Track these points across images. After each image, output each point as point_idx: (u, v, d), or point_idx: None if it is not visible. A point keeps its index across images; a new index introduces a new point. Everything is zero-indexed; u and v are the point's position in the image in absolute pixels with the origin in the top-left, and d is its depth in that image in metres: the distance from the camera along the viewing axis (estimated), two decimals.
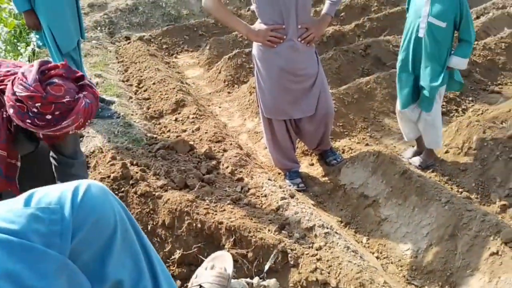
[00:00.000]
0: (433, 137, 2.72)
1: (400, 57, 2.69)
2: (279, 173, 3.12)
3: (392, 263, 2.32)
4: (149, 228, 2.27)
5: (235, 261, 2.13)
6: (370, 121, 3.55)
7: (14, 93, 1.40)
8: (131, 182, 2.43)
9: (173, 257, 2.20)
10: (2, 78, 1.51)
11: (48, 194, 0.83)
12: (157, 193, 2.35)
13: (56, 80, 1.43)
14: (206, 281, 1.31)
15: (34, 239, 0.74)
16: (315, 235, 2.24)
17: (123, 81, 4.49)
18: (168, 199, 2.30)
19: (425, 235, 2.27)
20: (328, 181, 2.95)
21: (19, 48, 3.29)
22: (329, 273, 2.01)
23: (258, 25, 2.49)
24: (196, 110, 3.57)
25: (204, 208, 2.28)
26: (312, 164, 3.21)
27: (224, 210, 2.32)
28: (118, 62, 5.02)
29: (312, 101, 2.67)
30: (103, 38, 5.68)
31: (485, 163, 2.75)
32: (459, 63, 2.48)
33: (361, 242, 2.48)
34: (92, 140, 3.11)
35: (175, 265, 2.20)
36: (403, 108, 2.78)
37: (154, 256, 1.03)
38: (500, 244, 1.99)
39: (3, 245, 0.70)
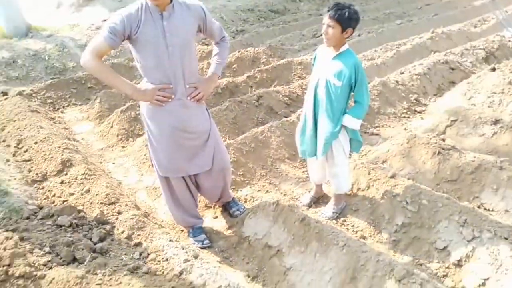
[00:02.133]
0: (341, 184, 2.85)
1: (303, 109, 2.80)
2: (182, 230, 2.98)
3: None
4: None
5: None
6: (268, 168, 3.64)
7: None
8: (6, 262, 2.09)
9: None
10: None
11: None
12: (39, 273, 2.04)
13: None
14: None
15: None
16: None
17: (3, 140, 3.98)
18: (53, 279, 2.01)
19: (328, 281, 2.32)
20: (233, 234, 2.90)
21: None
22: None
23: (145, 84, 2.41)
24: (86, 170, 3.29)
25: (97, 284, 2.04)
26: (216, 217, 3.14)
27: (120, 283, 2.10)
28: None
29: (207, 156, 2.65)
30: None
31: (373, 202, 2.97)
32: (351, 122, 2.61)
33: None
34: None
35: None
36: (305, 156, 2.90)
37: None
38: (394, 282, 2.12)
39: None
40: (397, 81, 5.01)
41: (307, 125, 2.76)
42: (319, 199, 3.21)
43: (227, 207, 3.08)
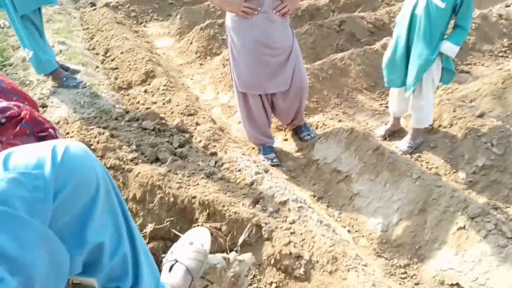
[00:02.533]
0: (423, 118, 2.72)
1: (394, 33, 2.62)
2: (253, 148, 3.08)
3: (363, 236, 2.36)
4: None
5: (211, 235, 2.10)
6: (344, 97, 3.55)
7: None
8: (100, 154, 2.33)
9: (144, 230, 2.14)
10: None
11: (24, 157, 0.76)
12: (127, 166, 2.26)
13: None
14: (183, 256, 1.27)
15: (18, 206, 0.69)
16: (289, 209, 2.24)
17: (88, 49, 4.26)
18: (139, 173, 2.22)
19: (395, 210, 2.32)
20: (302, 156, 2.94)
21: None
22: (302, 246, 2.01)
23: None
24: (167, 82, 3.44)
25: (177, 182, 2.22)
26: (286, 140, 3.19)
27: (198, 184, 2.27)
28: (83, 29, 4.76)
29: (287, 75, 2.63)
30: (66, 3, 5.34)
31: (454, 140, 2.81)
32: (450, 49, 2.41)
33: (333, 216, 2.51)
34: (57, 110, 2.95)
35: (147, 239, 2.14)
36: (392, 86, 2.77)
37: (132, 222, 0.97)
38: (467, 219, 2.06)
39: None
40: (500, 15, 4.44)
41: (398, 50, 2.58)
42: (394, 133, 3.11)
43: (298, 131, 3.10)
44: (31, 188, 0.72)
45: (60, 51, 3.85)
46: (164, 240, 2.14)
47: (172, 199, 2.14)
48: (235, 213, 2.09)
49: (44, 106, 3.00)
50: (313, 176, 2.79)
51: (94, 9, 5.21)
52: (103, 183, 0.87)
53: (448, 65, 2.51)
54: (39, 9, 2.99)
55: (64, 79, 3.22)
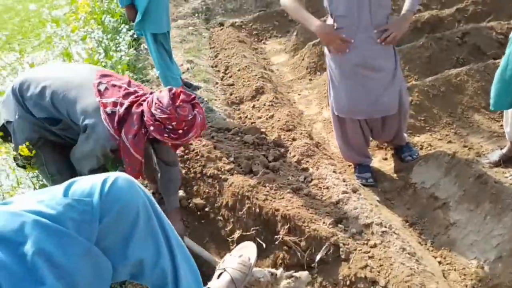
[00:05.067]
0: None
1: (509, 43, 2.38)
2: (349, 165, 3.09)
3: (455, 270, 2.19)
4: (215, 207, 2.47)
5: (289, 247, 2.22)
6: (457, 117, 3.28)
7: (153, 115, 1.79)
8: (202, 163, 2.64)
9: (233, 236, 2.37)
10: (137, 99, 1.89)
11: (82, 185, 1.01)
12: (223, 176, 2.53)
13: (181, 103, 1.80)
14: (229, 266, 1.43)
15: (68, 225, 0.93)
16: (372, 233, 2.22)
17: (212, 66, 4.77)
18: (233, 183, 2.46)
19: (494, 246, 2.09)
20: (399, 178, 2.85)
21: (118, 37, 3.71)
22: (379, 272, 1.99)
23: (329, 22, 2.47)
24: (273, 98, 3.66)
25: (264, 194, 2.39)
26: (386, 159, 3.11)
27: (283, 198, 2.41)
28: (210, 48, 5.33)
29: (393, 98, 2.56)
30: (199, 24, 6.05)
31: None
32: None
33: (425, 244, 2.38)
34: None
35: (234, 244, 2.37)
36: (497, 109, 2.52)
37: (174, 238, 1.17)
38: None
39: (43, 228, 0.89)
40: None
41: (508, 69, 2.34)
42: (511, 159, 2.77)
43: (399, 151, 3.00)
44: (81, 211, 0.95)
45: (188, 69, 4.41)
46: None
47: (257, 210, 2.32)
48: (314, 230, 2.17)
49: None
50: (408, 200, 2.68)
51: (221, 29, 5.78)
52: (144, 210, 1.07)
53: None
54: (168, 34, 3.51)
55: None
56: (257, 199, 2.36)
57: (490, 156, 2.83)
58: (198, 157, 2.62)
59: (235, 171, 2.59)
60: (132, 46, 4.05)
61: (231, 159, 2.69)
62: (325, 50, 2.60)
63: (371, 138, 2.95)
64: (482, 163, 2.57)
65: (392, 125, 2.73)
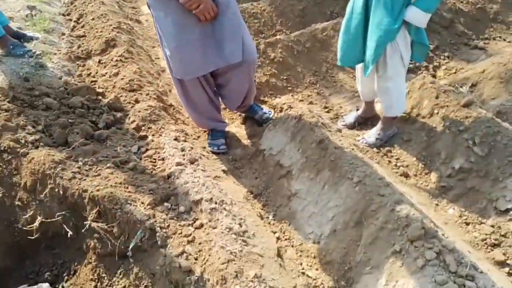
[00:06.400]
0: (394, 104, 2.25)
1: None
2: (205, 131, 2.73)
3: (292, 246, 1.98)
4: (10, 190, 1.97)
5: (100, 236, 1.82)
6: (321, 75, 3.07)
7: None
8: None
9: (33, 225, 1.91)
10: None
11: None
12: (23, 150, 2.01)
13: None
14: None
15: None
16: (201, 210, 1.90)
17: (63, 14, 4.01)
18: (33, 158, 1.96)
19: (330, 219, 1.90)
20: (252, 144, 2.56)
21: None
22: (196, 259, 1.69)
23: None
24: (124, 52, 3.12)
25: (72, 172, 1.94)
26: (245, 123, 2.81)
27: (99, 175, 1.98)
28: None
29: (235, 44, 2.16)
30: None
31: (432, 134, 2.31)
32: (416, 17, 1.91)
33: (267, 218, 2.14)
34: None
35: (37, 233, 1.91)
36: (344, 64, 2.31)
37: None
38: (405, 241, 1.62)
39: None
40: None
41: (353, 20, 2.09)
42: (367, 120, 2.63)
43: (252, 113, 2.69)
44: None
45: (27, 16, 3.63)
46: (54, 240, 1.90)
47: (61, 192, 1.87)
48: (127, 213, 1.79)
49: None
50: (257, 169, 2.41)
51: None
52: None
53: (418, 38, 2.01)
54: None
55: (11, 46, 2.99)
56: (61, 178, 1.90)
57: (346, 118, 2.66)
58: None
59: (42, 143, 2.08)
60: None
61: (40, 127, 2.16)
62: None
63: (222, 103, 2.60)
64: (341, 126, 2.37)
65: (242, 81, 2.37)
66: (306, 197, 2.06)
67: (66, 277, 1.95)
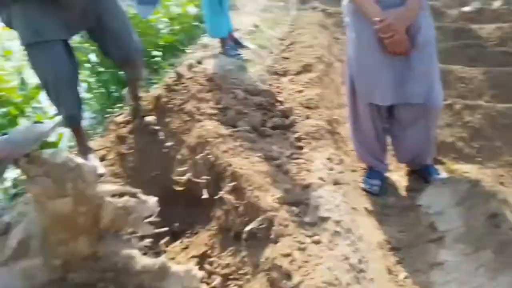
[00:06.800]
0: None
1: None
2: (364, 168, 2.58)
3: None
4: (177, 145, 2.23)
5: (227, 209, 1.88)
6: None
7: None
8: (186, 98, 2.40)
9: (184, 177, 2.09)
10: None
11: None
12: (198, 117, 2.27)
13: None
14: None
15: None
16: (324, 229, 1.76)
17: (279, 39, 4.49)
18: (202, 126, 2.19)
19: None
20: (408, 197, 2.29)
21: None
22: (299, 267, 1.55)
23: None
24: (315, 77, 3.27)
25: (228, 147, 2.08)
26: (409, 176, 2.53)
27: (248, 158, 2.06)
28: (289, 25, 5.02)
29: (421, 83, 2.03)
30: (292, 2, 5.80)
31: None
32: None
33: (396, 275, 1.82)
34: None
35: (182, 186, 2.10)
36: None
37: None
38: None
39: None
40: None
41: None
42: None
43: (426, 174, 2.38)
44: None
45: (250, 31, 4.21)
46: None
47: (213, 159, 2.02)
48: (255, 197, 1.79)
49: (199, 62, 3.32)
50: (406, 223, 2.12)
51: (312, 12, 5.46)
52: None
53: None
54: None
55: (228, 47, 3.49)
56: (217, 148, 2.05)
57: None
58: (185, 91, 2.39)
59: (216, 118, 2.30)
60: None
61: (220, 106, 2.40)
62: (347, 18, 2.14)
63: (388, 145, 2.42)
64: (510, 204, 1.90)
65: (420, 129, 2.17)
66: (452, 272, 1.68)
67: (188, 234, 2.07)
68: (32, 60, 1.88)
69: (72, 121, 2.02)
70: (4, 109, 1.93)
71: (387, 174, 2.47)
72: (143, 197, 1.21)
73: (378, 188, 2.35)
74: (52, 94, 1.91)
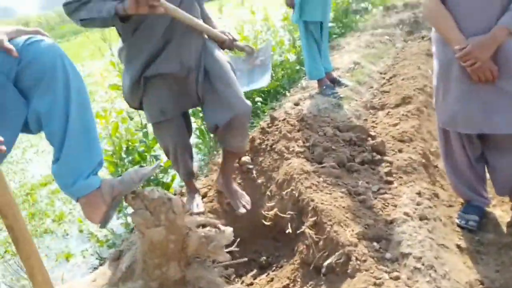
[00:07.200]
0: None
1: None
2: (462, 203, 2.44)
3: None
4: (268, 182, 2.46)
5: (308, 244, 2.00)
6: None
7: None
8: (276, 138, 2.63)
9: (272, 212, 2.30)
10: None
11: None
12: (287, 155, 2.47)
13: None
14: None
15: None
16: (404, 265, 1.77)
17: (381, 73, 4.51)
18: (290, 163, 2.39)
19: None
20: (508, 233, 2.10)
21: None
22: None
23: None
24: (414, 109, 3.22)
25: (311, 183, 2.22)
26: None
27: (330, 194, 2.18)
28: (393, 57, 4.99)
29: (509, 112, 1.92)
30: (398, 35, 5.74)
31: None
32: None
33: None
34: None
35: (270, 221, 2.30)
36: None
37: (75, 106, 1.27)
38: None
39: None
40: None
41: None
42: None
43: None
44: (4, 54, 1.20)
45: (349, 69, 4.33)
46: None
47: (297, 195, 2.19)
48: (335, 232, 1.90)
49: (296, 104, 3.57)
50: (505, 263, 1.95)
51: (419, 42, 5.32)
52: (52, 72, 1.23)
53: None
54: (321, 25, 3.56)
55: (325, 87, 3.68)
56: (301, 184, 2.22)
57: None
58: (277, 132, 2.64)
59: (303, 156, 2.48)
60: None
61: (307, 144, 2.58)
62: (433, 47, 2.13)
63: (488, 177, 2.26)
64: None
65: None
66: None
67: (274, 267, 2.24)
68: (156, 133, 2.27)
69: (187, 177, 2.38)
70: (130, 157, 2.43)
71: (489, 209, 2.30)
72: (222, 227, 1.45)
73: (475, 223, 2.20)
74: (172, 158, 2.29)
